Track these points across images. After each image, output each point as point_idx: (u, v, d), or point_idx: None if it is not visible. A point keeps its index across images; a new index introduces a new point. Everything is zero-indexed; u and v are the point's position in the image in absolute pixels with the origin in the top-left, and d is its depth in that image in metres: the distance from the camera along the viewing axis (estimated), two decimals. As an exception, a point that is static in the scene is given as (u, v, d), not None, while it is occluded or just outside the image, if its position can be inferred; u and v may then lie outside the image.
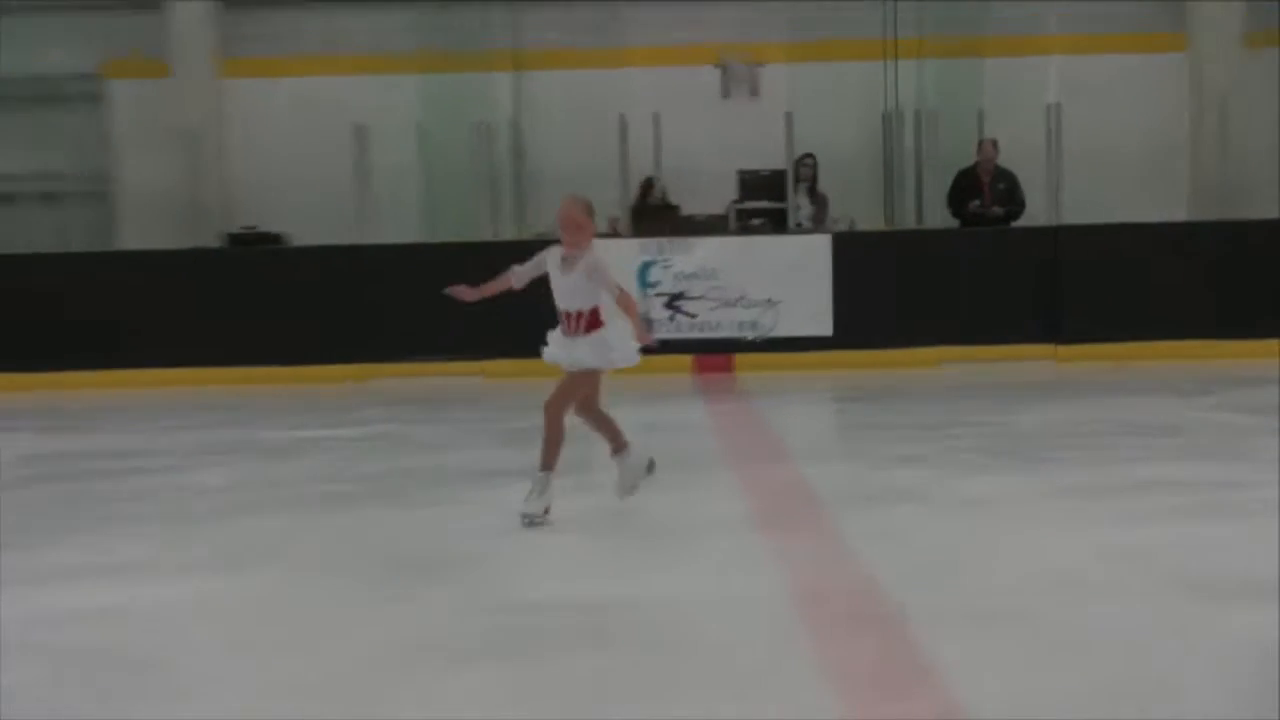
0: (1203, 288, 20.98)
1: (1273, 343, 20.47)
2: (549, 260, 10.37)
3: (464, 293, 10.72)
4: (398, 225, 22.50)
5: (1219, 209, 22.61)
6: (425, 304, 20.97)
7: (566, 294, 10.33)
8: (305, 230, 22.49)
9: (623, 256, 21.00)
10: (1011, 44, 23.37)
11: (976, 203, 22.31)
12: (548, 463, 10.34)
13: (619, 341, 10.40)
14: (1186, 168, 23.29)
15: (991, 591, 8.66)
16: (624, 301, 10.31)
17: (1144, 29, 23.52)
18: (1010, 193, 22.39)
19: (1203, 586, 8.56)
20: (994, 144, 22.45)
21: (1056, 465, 13.19)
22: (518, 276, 10.56)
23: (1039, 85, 22.83)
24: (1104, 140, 22.92)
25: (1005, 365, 20.11)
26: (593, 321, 10.36)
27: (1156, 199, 22.58)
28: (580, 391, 10.46)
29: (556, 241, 10.38)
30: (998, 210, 22.29)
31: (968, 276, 21.19)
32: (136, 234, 23.09)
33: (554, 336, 10.50)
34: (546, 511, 10.43)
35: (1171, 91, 23.38)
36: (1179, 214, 22.66)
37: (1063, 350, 20.69)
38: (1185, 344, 20.64)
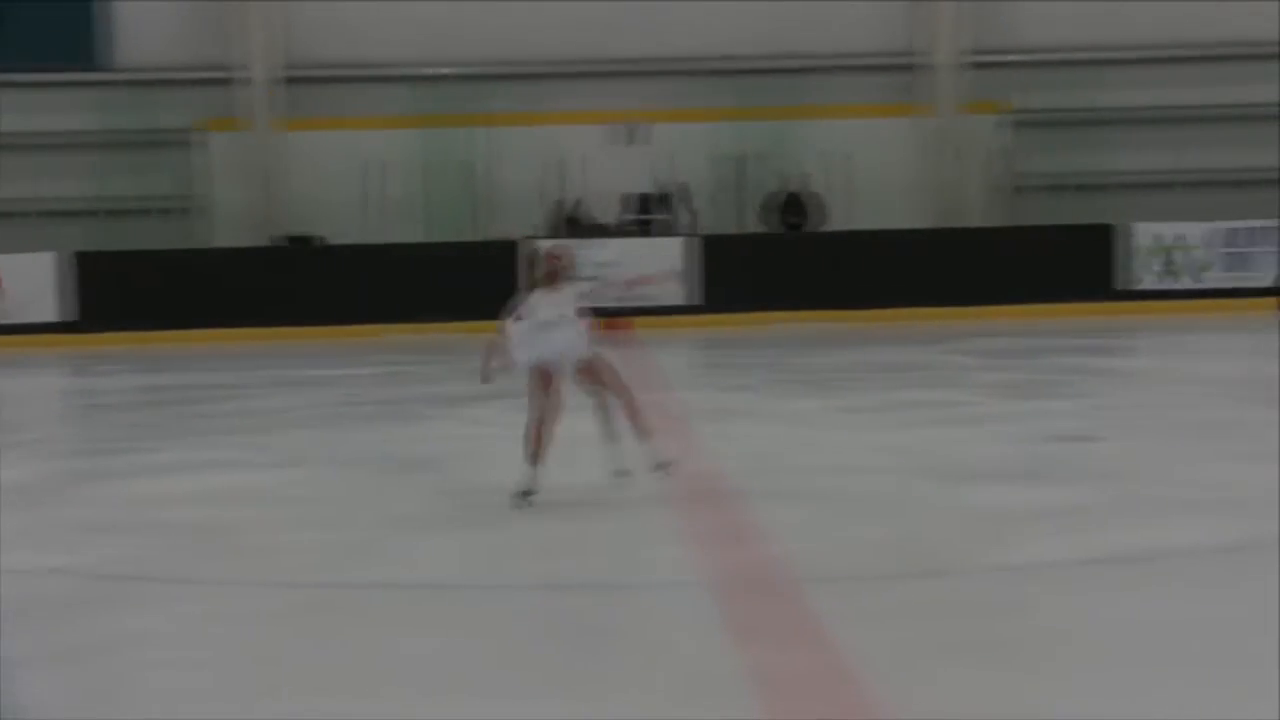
0: (941, 271, 21.02)
1: (987, 309, 20.38)
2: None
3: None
4: (405, 229, 22.28)
5: (948, 220, 22.66)
6: (422, 283, 21.01)
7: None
8: (339, 233, 22.24)
9: (556, 252, 20.89)
10: (817, 110, 23.28)
11: (792, 216, 22.31)
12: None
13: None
14: (928, 192, 23.26)
15: (801, 477, 8.66)
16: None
17: (902, 101, 23.50)
18: (815, 209, 22.40)
19: (942, 471, 8.62)
20: (806, 176, 22.46)
21: (844, 391, 13.25)
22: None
23: (835, 138, 22.75)
24: (878, 174, 22.88)
25: (811, 325, 20.06)
26: None
27: (910, 213, 22.58)
28: None
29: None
30: (806, 220, 22.31)
31: (788, 264, 21.22)
32: (223, 236, 22.83)
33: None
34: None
35: (919, 142, 23.35)
36: (925, 223, 22.65)
37: (848, 314, 20.59)
38: (930, 309, 20.57)
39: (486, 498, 8.32)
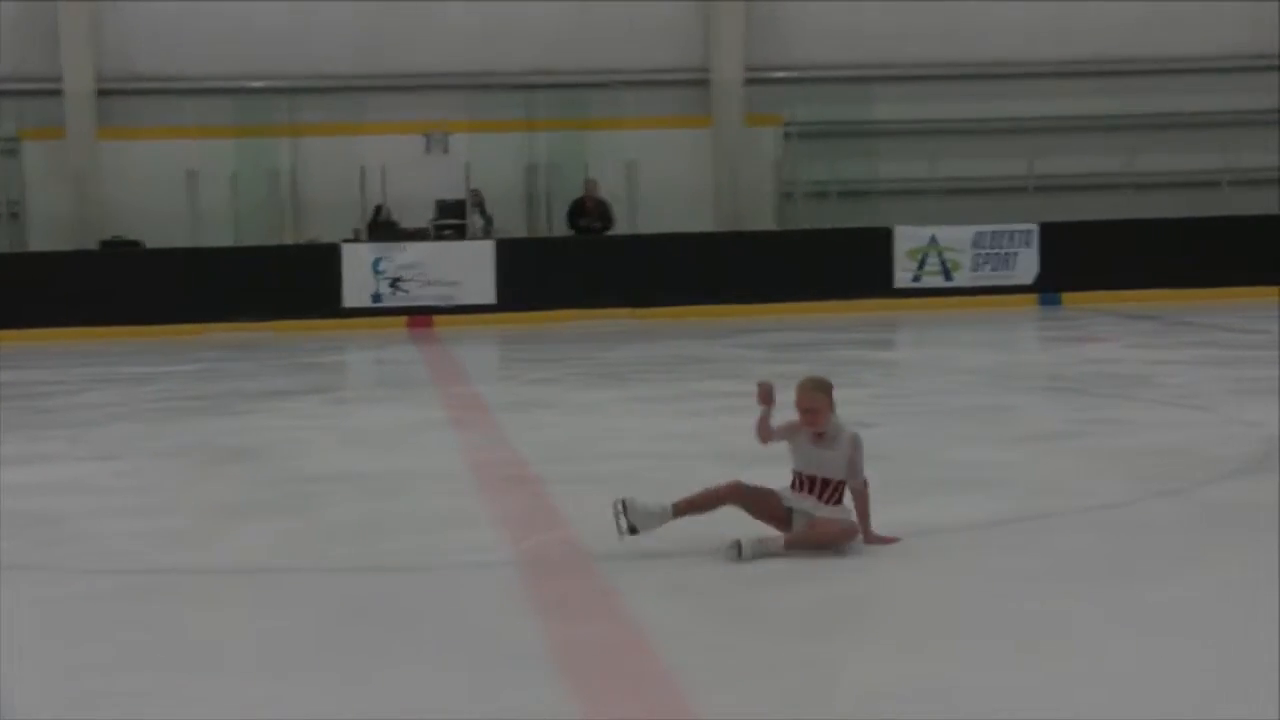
0: (722, 271, 21.15)
1: (771, 306, 20.51)
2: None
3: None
4: (218, 234, 21.80)
5: (731, 224, 22.89)
6: (237, 283, 20.59)
7: (816, 463, 6.69)
8: (155, 238, 21.68)
9: (362, 256, 20.68)
10: (610, 122, 23.34)
11: (585, 220, 22.34)
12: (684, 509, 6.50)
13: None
14: (711, 198, 23.47)
15: (598, 463, 8.66)
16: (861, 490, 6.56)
17: (687, 113, 23.69)
18: (605, 214, 22.47)
19: (728, 456, 8.65)
20: (595, 183, 22.49)
21: (636, 383, 13.28)
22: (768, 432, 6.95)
23: (626, 148, 22.79)
24: (663, 181, 23.00)
25: (601, 322, 20.08)
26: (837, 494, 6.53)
27: (695, 217, 22.75)
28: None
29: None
30: (598, 225, 22.36)
31: (579, 265, 21.21)
32: (41, 241, 22.12)
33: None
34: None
35: (703, 152, 23.55)
36: (709, 227, 22.82)
37: (637, 311, 20.68)
38: (714, 307, 20.68)
39: (302, 485, 8.20)
